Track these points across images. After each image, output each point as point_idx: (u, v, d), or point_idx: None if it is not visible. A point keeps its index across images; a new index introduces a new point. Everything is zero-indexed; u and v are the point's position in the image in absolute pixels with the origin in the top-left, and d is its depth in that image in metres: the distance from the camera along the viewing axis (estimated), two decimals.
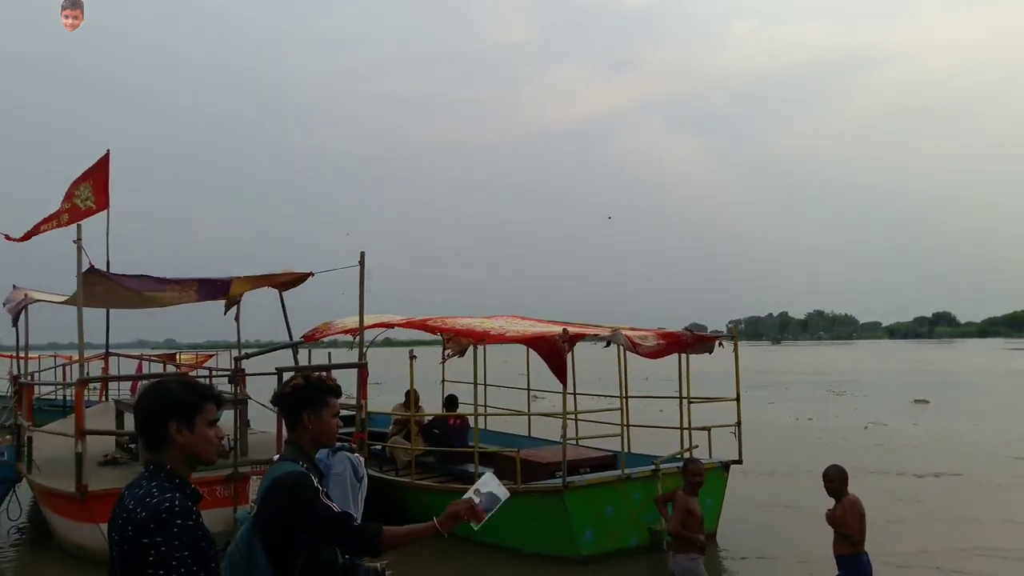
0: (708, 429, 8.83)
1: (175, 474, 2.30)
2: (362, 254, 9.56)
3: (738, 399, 8.85)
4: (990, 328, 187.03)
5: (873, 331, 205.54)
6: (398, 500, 9.45)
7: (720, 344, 8.83)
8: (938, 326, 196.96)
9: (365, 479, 3.87)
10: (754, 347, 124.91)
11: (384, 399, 16.36)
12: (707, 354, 8.95)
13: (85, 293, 8.53)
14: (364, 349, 9.75)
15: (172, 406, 2.32)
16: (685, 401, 8.97)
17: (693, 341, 8.69)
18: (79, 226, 8.58)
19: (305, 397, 3.10)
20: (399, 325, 11.00)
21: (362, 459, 3.94)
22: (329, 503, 2.89)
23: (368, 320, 10.52)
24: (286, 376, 7.59)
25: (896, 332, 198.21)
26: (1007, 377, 37.06)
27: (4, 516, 9.05)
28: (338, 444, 3.92)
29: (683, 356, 8.98)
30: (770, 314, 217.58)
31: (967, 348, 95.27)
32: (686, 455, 8.66)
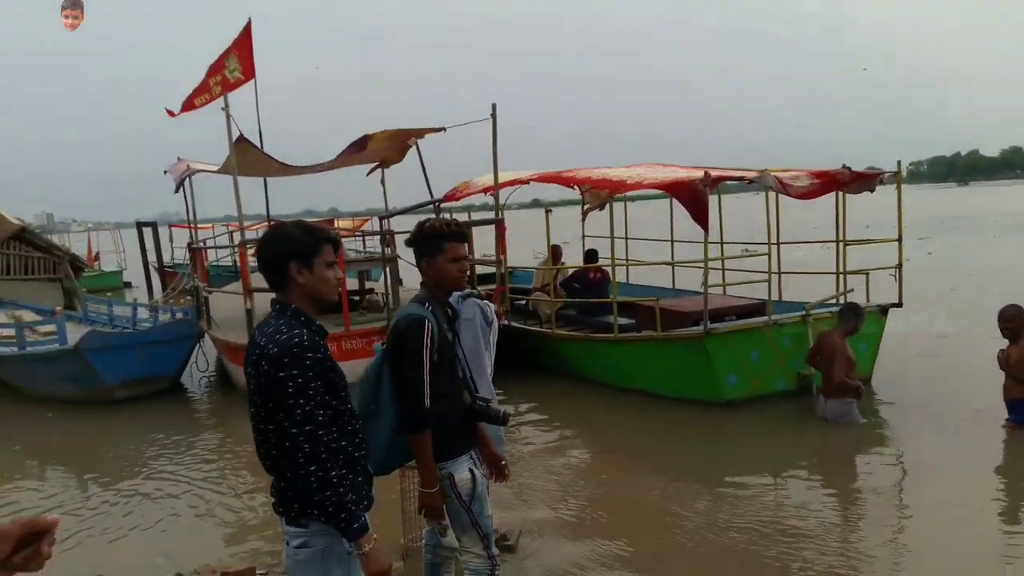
0: (867, 272, 8.26)
1: (300, 312, 2.38)
2: (493, 106, 9.39)
3: (900, 240, 8.13)
4: None
5: None
6: (541, 351, 9.68)
7: (881, 181, 8.07)
8: None
9: (495, 323, 3.91)
10: (938, 189, 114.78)
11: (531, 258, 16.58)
12: (869, 192, 8.24)
13: (238, 162, 8.99)
14: (502, 205, 9.77)
15: (291, 248, 2.38)
16: (841, 245, 8.40)
17: (851, 179, 7.97)
18: (226, 97, 8.95)
19: (420, 244, 3.17)
20: (535, 180, 10.88)
21: (492, 305, 3.96)
22: (424, 359, 2.96)
23: (504, 177, 10.50)
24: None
25: None
26: None
27: (194, 369, 10.09)
28: (468, 291, 3.97)
29: (840, 197, 8.34)
30: (958, 153, 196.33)
31: None
32: (841, 300, 8.20)
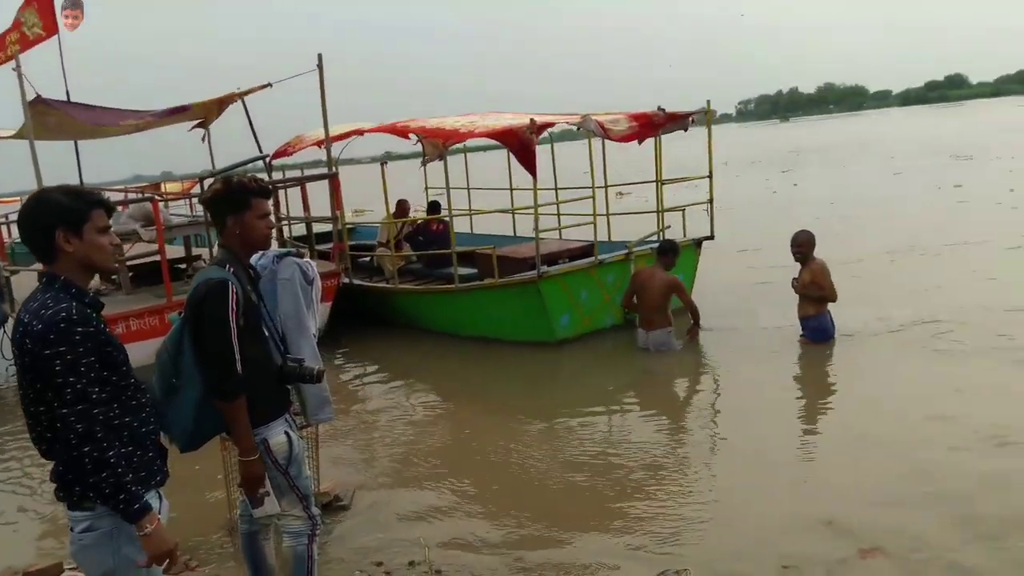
0: (683, 209, 8.82)
1: (70, 284, 2.26)
2: (319, 56, 9.10)
3: (710, 176, 8.72)
4: (1004, 87, 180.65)
5: (884, 99, 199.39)
6: (384, 306, 9.70)
7: (693, 121, 8.57)
8: (950, 89, 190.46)
9: (317, 281, 3.82)
10: (762, 126, 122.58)
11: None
12: (682, 131, 8.74)
13: (36, 125, 8.28)
14: (335, 158, 9.57)
15: (56, 214, 2.25)
16: (659, 184, 8.90)
17: (665, 120, 8.42)
18: (17, 58, 8.18)
19: (227, 201, 3.02)
20: (369, 131, 10.70)
21: (312, 262, 3.88)
22: (231, 324, 2.86)
23: (337, 130, 10.24)
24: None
25: (908, 99, 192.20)
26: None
27: None
28: (285, 249, 3.89)
29: (657, 139, 8.78)
30: (779, 91, 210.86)
31: (966, 109, 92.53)
32: (658, 237, 8.72)
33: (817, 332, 7.14)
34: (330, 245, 9.86)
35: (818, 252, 7.19)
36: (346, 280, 9.32)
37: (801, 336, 7.25)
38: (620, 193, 10.21)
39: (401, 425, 6.34)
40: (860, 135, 51.53)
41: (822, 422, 5.72)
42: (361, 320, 9.51)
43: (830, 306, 7.13)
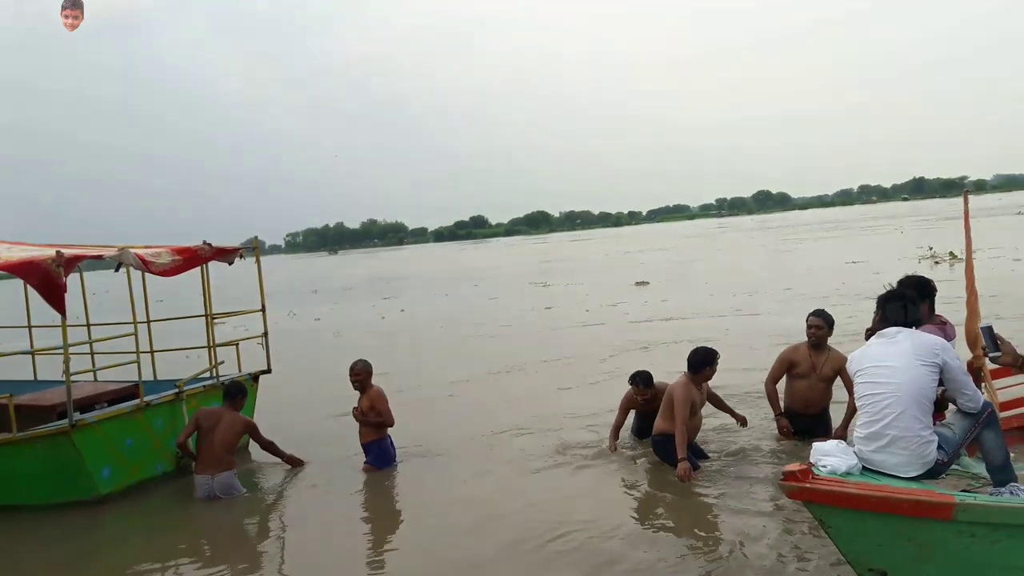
0: (236, 344, 8.73)
1: None
2: None
3: (263, 310, 8.84)
4: (514, 228, 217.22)
5: (422, 235, 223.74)
6: None
7: (241, 256, 8.64)
8: (475, 228, 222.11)
9: None
10: (311, 257, 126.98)
11: None
12: (227, 265, 8.72)
13: None
14: None
15: None
16: (210, 319, 8.69)
17: (212, 255, 8.35)
18: None
19: None
20: None
21: None
22: None
23: None
24: None
25: (441, 235, 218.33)
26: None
27: None
28: None
29: (205, 272, 8.63)
30: (327, 225, 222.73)
31: (494, 245, 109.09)
32: (211, 373, 8.45)
33: (379, 458, 7.46)
34: None
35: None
36: None
37: (365, 463, 7.52)
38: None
39: None
40: (430, 264, 56.93)
41: (386, 548, 5.95)
42: None
43: (390, 431, 7.53)
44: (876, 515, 3.58)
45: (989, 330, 4.37)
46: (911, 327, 4.26)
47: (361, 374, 7.46)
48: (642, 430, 7.45)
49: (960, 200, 6.41)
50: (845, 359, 6.70)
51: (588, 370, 11.48)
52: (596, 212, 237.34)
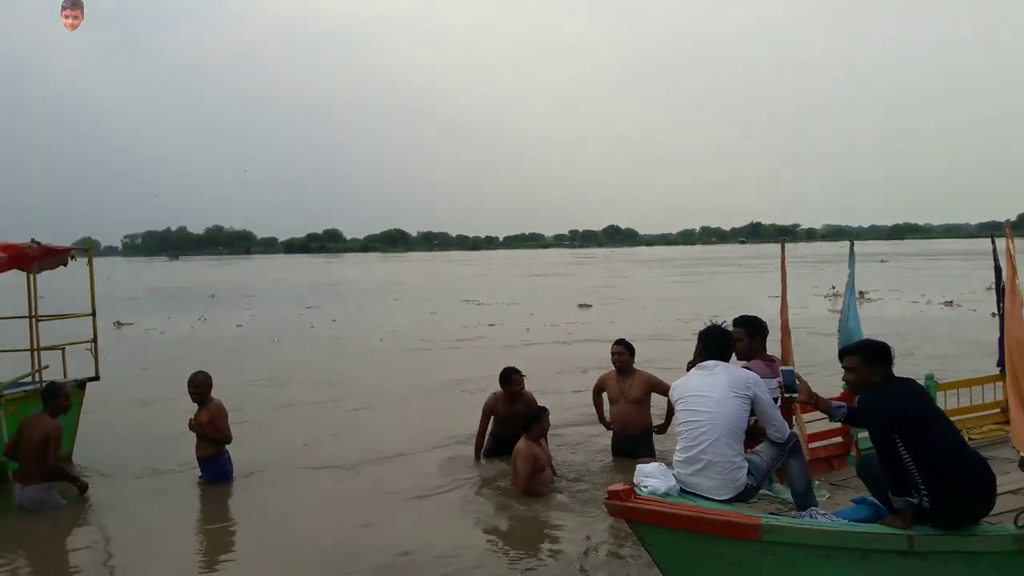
0: (63, 348, 8.16)
1: None
2: None
3: (94, 314, 8.35)
4: (370, 243, 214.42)
5: (271, 246, 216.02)
6: None
7: (73, 257, 8.12)
8: (329, 242, 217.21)
9: None
10: (151, 263, 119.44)
11: None
12: (62, 267, 8.19)
13: None
14: None
15: None
16: (34, 320, 8.08)
17: (41, 254, 7.80)
18: None
19: None
20: None
21: None
22: None
23: None
24: None
25: (292, 247, 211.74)
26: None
27: None
28: None
29: (31, 273, 8.03)
30: (168, 228, 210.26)
31: (347, 260, 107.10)
32: (34, 377, 7.85)
33: (214, 473, 7.19)
34: None
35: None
36: None
37: (200, 478, 7.22)
38: None
39: None
40: (295, 275, 54.73)
41: (203, 563, 5.76)
42: None
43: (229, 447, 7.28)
44: (691, 534, 3.91)
45: (790, 372, 4.83)
46: (726, 361, 4.68)
47: (201, 386, 7.21)
48: (492, 451, 7.60)
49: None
50: (650, 378, 7.27)
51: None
52: (454, 235, 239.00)
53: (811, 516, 4.33)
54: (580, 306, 26.11)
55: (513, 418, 7.18)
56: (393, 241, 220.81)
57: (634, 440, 7.42)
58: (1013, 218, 7.91)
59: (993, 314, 9.50)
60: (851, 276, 6.33)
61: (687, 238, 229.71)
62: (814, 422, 6.13)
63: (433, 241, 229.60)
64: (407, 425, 9.50)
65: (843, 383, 4.47)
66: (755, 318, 5.77)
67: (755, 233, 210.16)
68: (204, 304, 31.58)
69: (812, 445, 6.02)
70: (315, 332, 20.86)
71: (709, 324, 4.99)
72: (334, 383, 12.59)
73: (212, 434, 7.12)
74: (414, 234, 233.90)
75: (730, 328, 5.22)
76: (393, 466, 7.74)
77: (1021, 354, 4.00)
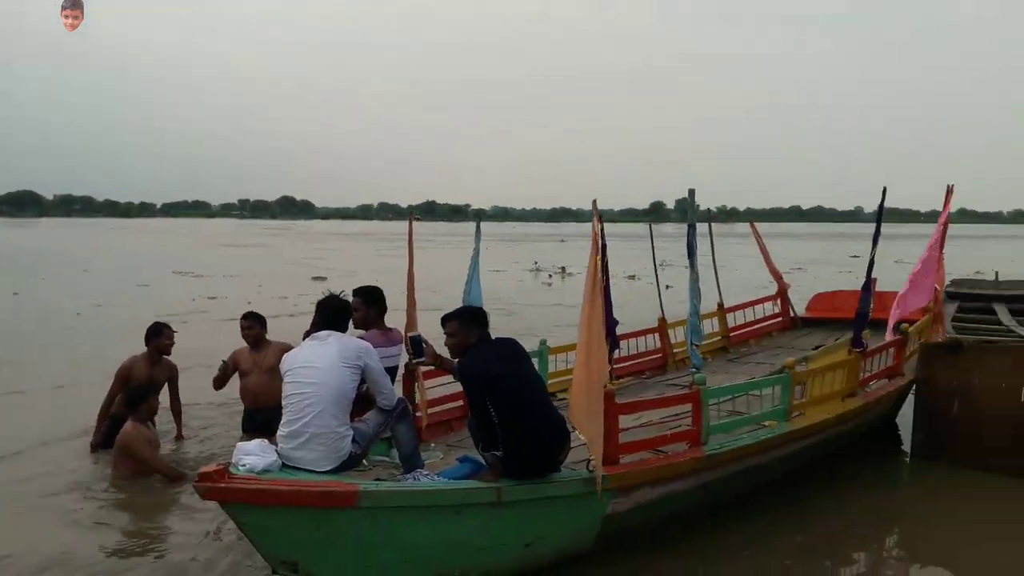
0: None
1: None
2: None
3: None
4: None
5: None
6: None
7: None
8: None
9: None
10: None
11: None
12: None
13: None
14: None
15: None
16: None
17: None
18: None
19: None
20: None
21: None
22: None
23: None
24: None
25: None
26: None
27: None
28: None
29: None
30: None
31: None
32: None
33: None
34: None
35: None
36: None
37: None
38: None
39: None
40: None
41: None
42: None
43: None
44: (286, 508, 3.77)
45: (416, 338, 4.96)
46: (343, 331, 4.62)
47: None
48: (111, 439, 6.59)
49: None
50: (287, 346, 6.91)
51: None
52: (100, 199, 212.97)
53: (415, 478, 4.45)
54: (315, 278, 24.79)
55: (152, 385, 6.44)
56: (22, 204, 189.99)
57: (268, 412, 7.04)
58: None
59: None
60: (476, 251, 6.66)
61: (365, 213, 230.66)
62: (436, 388, 6.34)
63: (74, 205, 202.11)
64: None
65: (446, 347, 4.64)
66: (372, 288, 5.81)
67: (429, 211, 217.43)
68: None
69: (433, 410, 6.24)
70: None
71: (327, 294, 4.90)
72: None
73: None
74: (50, 197, 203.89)
75: (349, 298, 5.18)
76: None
77: (591, 336, 4.28)
